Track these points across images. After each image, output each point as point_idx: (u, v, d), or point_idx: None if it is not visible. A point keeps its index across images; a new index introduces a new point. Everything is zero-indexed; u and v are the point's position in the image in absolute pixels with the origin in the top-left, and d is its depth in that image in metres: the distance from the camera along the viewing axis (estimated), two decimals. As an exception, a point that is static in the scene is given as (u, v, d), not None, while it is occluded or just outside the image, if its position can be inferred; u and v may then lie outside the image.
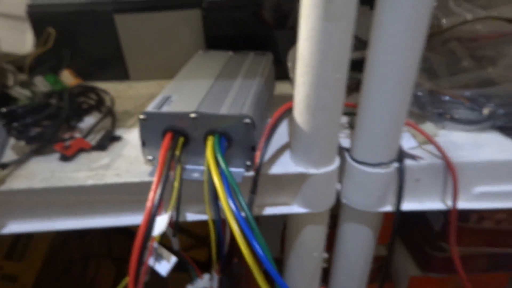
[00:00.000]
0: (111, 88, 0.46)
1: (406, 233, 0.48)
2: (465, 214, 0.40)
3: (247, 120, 0.29)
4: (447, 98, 0.38)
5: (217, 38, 0.47)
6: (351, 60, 0.28)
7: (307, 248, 0.36)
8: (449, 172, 0.32)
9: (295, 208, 0.33)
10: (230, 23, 0.46)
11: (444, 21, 0.52)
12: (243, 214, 0.26)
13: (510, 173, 0.34)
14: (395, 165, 0.32)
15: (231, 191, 0.26)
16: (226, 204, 0.25)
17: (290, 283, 0.39)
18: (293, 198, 0.33)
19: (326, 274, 0.43)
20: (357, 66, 0.31)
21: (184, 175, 0.30)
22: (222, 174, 0.27)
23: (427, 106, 0.38)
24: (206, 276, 0.31)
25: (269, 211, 0.33)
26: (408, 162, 0.33)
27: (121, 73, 0.50)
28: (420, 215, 0.45)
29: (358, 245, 0.37)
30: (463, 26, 0.51)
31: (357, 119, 0.31)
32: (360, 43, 0.37)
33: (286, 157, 0.33)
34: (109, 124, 0.38)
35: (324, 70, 0.27)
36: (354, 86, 0.38)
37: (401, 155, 0.32)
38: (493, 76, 0.44)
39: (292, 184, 0.32)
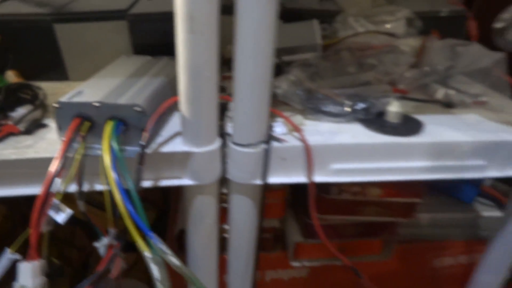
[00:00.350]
0: (52, 87, 0.53)
1: (296, 206, 0.56)
2: (326, 187, 0.49)
3: (137, 108, 0.37)
4: (320, 95, 0.48)
5: (142, 45, 0.55)
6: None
7: (201, 217, 0.44)
8: (305, 149, 0.41)
9: (185, 181, 0.41)
10: (152, 32, 0.54)
11: (340, 34, 0.62)
12: (128, 183, 0.34)
13: (358, 154, 0.43)
14: (263, 146, 0.41)
15: (116, 164, 0.34)
16: (109, 173, 0.33)
17: (192, 252, 0.47)
18: (183, 172, 0.41)
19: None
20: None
21: (88, 151, 0.38)
22: (112, 150, 0.35)
23: (304, 102, 0.47)
24: (111, 232, 0.39)
25: (164, 183, 0.41)
26: (274, 144, 0.41)
27: (62, 75, 0.58)
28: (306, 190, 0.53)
29: (243, 214, 0.45)
30: (354, 38, 0.60)
31: (232, 108, 0.40)
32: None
33: (178, 140, 0.41)
34: (41, 115, 0.46)
35: (195, 70, 0.35)
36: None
37: (269, 138, 0.41)
38: (369, 79, 0.54)
39: (181, 160, 0.40)
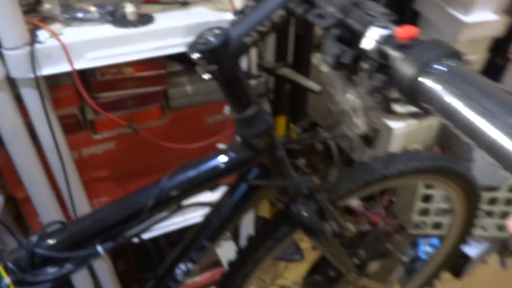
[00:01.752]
0: None
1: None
2: (92, 72, 0.69)
3: None
4: (76, 7, 0.65)
5: None
6: None
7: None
8: (62, 48, 0.59)
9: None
10: None
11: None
12: None
13: (108, 44, 0.62)
14: (28, 47, 0.57)
15: None
16: None
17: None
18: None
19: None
20: None
21: None
22: None
23: (63, 13, 0.64)
24: None
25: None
26: (38, 45, 0.58)
27: None
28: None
29: (34, 105, 0.63)
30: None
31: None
32: None
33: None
34: None
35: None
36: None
37: (33, 42, 0.58)
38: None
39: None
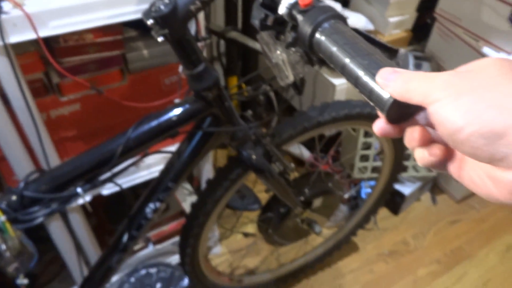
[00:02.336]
0: None
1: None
2: (57, 39, 0.76)
3: None
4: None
5: None
6: None
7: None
8: (26, 18, 0.66)
9: None
10: None
11: None
12: None
13: (68, 13, 0.69)
14: (-4, 18, 0.64)
15: None
16: None
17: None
18: None
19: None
20: None
21: None
22: None
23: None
24: None
25: None
26: (3, 15, 0.65)
27: None
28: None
29: (4, 69, 0.70)
30: None
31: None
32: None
33: None
34: None
35: None
36: None
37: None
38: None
39: None
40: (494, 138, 0.25)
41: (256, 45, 1.13)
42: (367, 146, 1.45)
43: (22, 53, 0.74)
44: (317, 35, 0.40)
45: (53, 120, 0.86)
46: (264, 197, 1.59)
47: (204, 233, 0.95)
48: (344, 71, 0.37)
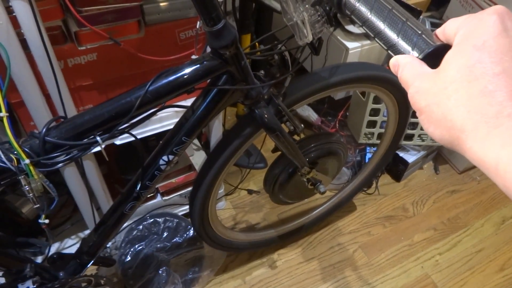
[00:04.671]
0: None
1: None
2: None
3: None
4: None
5: None
6: None
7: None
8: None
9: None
10: None
11: None
12: None
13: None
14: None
15: None
16: None
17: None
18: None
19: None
20: None
21: None
22: None
23: None
24: None
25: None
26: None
27: None
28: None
29: (24, 15, 0.70)
30: None
31: None
32: None
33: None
34: None
35: None
36: None
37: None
38: None
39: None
40: (449, 143, 0.30)
41: (272, 3, 1.11)
42: (375, 113, 1.46)
43: (41, -1, 0.74)
44: None
45: (70, 68, 0.87)
46: (269, 156, 1.62)
47: (215, 187, 0.98)
48: (370, 27, 0.38)
